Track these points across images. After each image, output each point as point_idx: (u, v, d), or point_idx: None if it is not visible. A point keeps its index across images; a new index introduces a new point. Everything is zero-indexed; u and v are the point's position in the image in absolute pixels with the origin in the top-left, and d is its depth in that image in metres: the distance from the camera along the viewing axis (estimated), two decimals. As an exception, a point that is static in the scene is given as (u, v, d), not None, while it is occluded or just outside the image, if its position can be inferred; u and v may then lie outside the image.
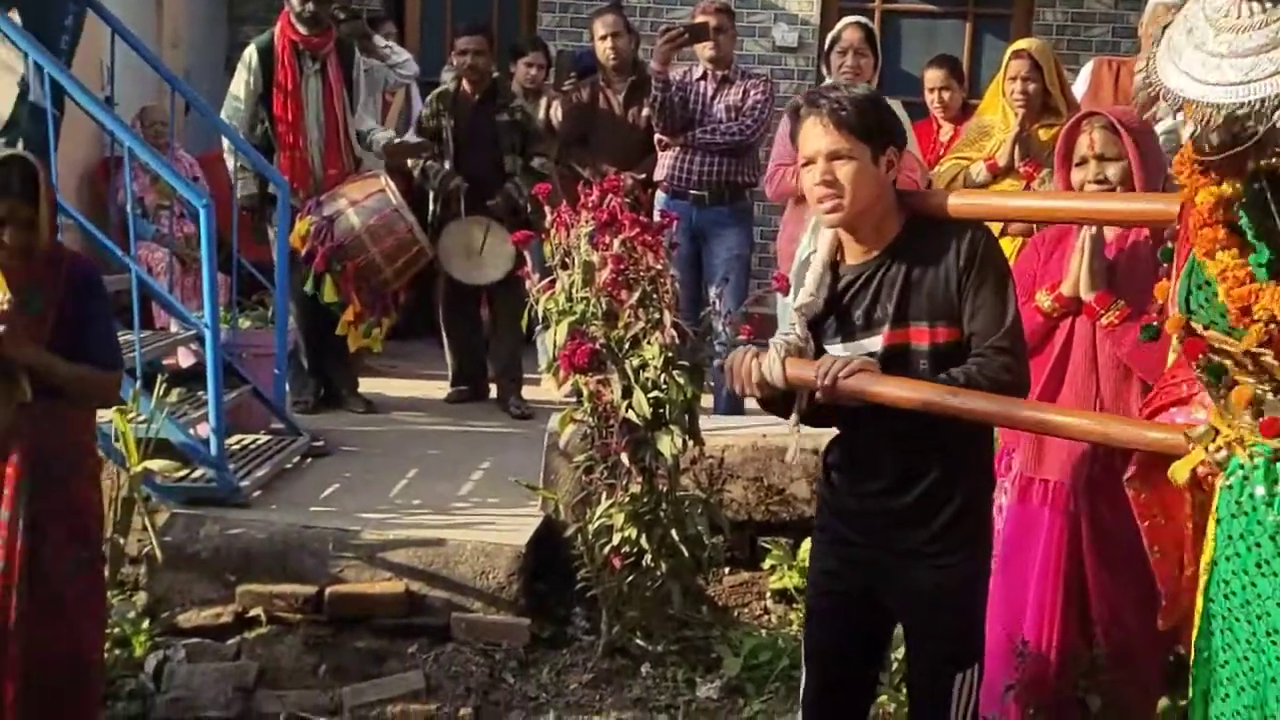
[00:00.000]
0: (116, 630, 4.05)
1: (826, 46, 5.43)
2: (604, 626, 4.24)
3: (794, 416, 2.71)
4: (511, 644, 4.24)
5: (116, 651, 4.02)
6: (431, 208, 6.12)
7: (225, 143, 5.76)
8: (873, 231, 2.67)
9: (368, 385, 6.29)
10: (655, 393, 3.97)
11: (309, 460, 5.28)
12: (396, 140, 6.08)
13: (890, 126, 2.67)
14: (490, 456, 5.39)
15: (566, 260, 4.09)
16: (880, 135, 2.63)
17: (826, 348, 2.69)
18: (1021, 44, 4.85)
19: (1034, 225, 4.18)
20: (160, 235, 6.45)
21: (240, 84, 5.76)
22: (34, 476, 3.22)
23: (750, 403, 5.72)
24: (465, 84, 6.11)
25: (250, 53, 5.77)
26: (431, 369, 6.70)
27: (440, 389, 6.46)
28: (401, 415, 6.11)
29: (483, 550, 4.36)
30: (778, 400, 2.72)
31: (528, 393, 6.26)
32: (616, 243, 3.98)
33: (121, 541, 4.02)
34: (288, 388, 5.67)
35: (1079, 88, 5.31)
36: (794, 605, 4.42)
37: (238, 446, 5.09)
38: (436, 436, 5.77)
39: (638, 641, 4.23)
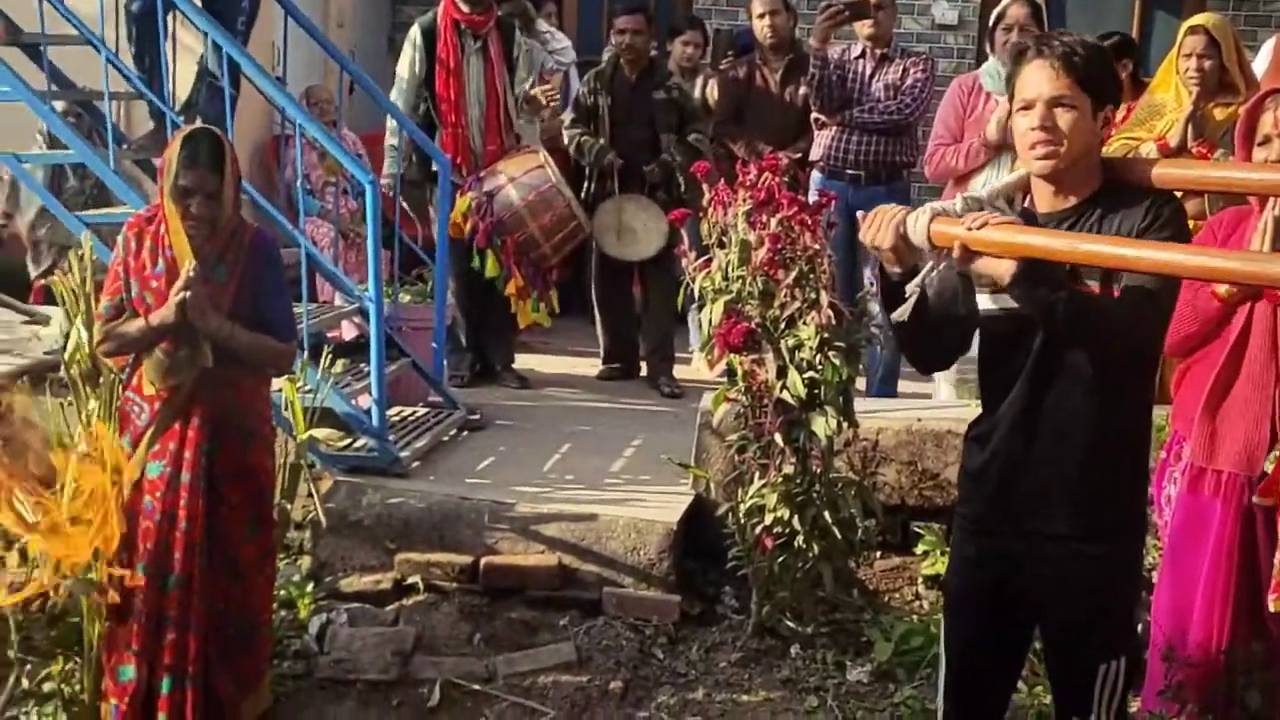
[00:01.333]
0: (282, 592, 4.18)
1: (991, 23, 5.32)
2: (754, 606, 4.24)
3: (916, 281, 2.56)
4: (661, 620, 4.27)
5: (282, 612, 4.15)
6: (585, 184, 6.17)
7: (390, 123, 5.89)
8: (1071, 186, 2.59)
9: (521, 361, 6.37)
10: (810, 373, 3.95)
11: (465, 433, 5.38)
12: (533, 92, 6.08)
13: (1114, 83, 2.61)
14: (641, 434, 5.42)
15: (723, 239, 4.09)
16: (1104, 89, 2.56)
17: (989, 300, 2.63)
18: (1198, 19, 4.68)
19: (1207, 208, 4.05)
20: (325, 211, 6.64)
21: (406, 63, 5.90)
22: (213, 440, 3.36)
23: (904, 385, 5.74)
24: (623, 63, 6.14)
25: (415, 32, 5.89)
26: (583, 346, 6.76)
27: (592, 366, 6.53)
28: (554, 391, 6.18)
29: (634, 526, 4.40)
30: (894, 285, 2.60)
31: (677, 371, 6.28)
32: (774, 222, 3.97)
33: (288, 507, 4.14)
34: (444, 361, 5.79)
35: (1259, 64, 5.09)
36: (947, 591, 4.36)
37: (397, 418, 5.22)
38: (588, 413, 5.83)
39: (787, 622, 4.22)
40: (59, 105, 5.18)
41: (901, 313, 2.59)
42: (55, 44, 5.02)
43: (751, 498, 4.06)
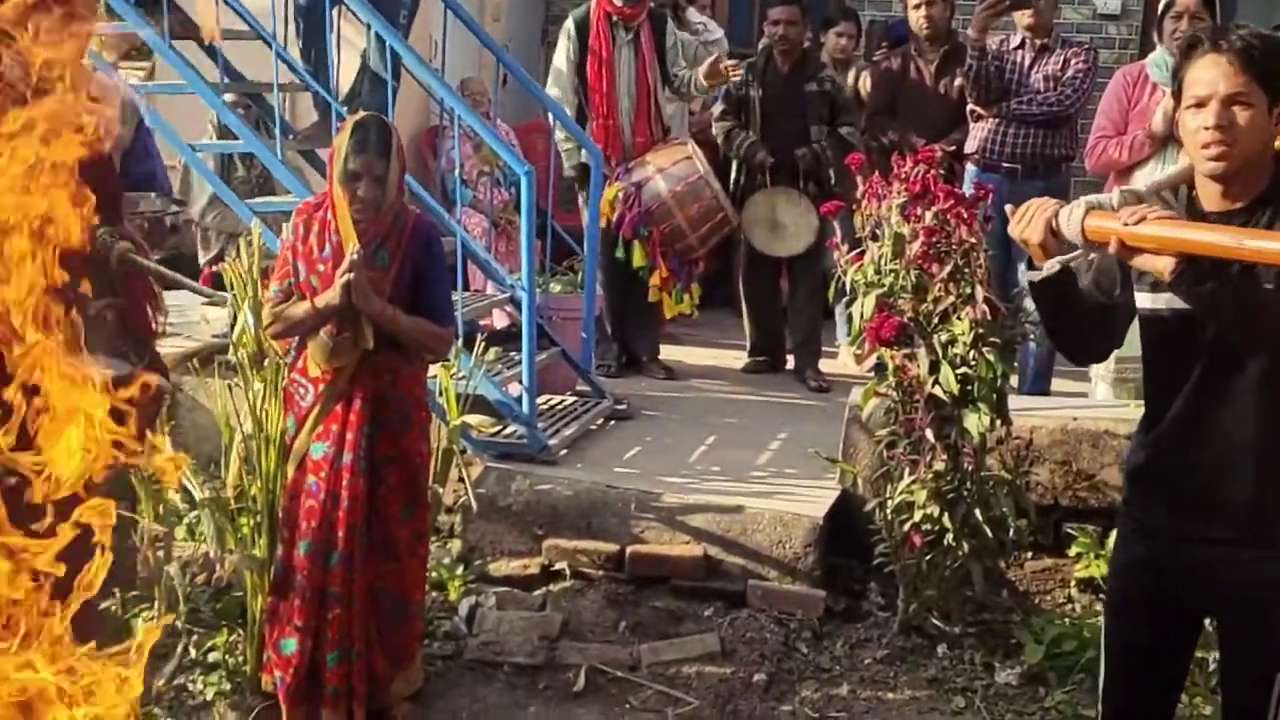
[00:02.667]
0: (434, 574, 4.27)
1: (1160, 10, 5.14)
2: (900, 603, 4.19)
3: (1061, 258, 2.45)
4: (806, 614, 4.25)
5: (434, 594, 4.25)
6: (734, 175, 6.16)
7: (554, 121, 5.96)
8: (1242, 184, 2.47)
9: (667, 352, 6.41)
10: (963, 369, 3.89)
11: (612, 422, 5.42)
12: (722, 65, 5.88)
13: None
14: (787, 427, 5.40)
15: (876, 232, 4.05)
16: None
17: (1150, 299, 2.54)
18: (1383, 6, 4.46)
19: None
20: (477, 201, 6.75)
21: (561, 55, 5.97)
22: (373, 423, 3.45)
23: (1060, 384, 5.60)
24: (776, 54, 6.11)
25: (569, 24, 5.97)
26: (730, 338, 6.76)
27: (738, 358, 6.52)
28: (700, 383, 6.20)
29: (780, 520, 4.39)
30: (1042, 277, 2.50)
31: (823, 365, 6.24)
32: (929, 215, 3.92)
33: (440, 490, 4.23)
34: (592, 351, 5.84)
35: None
36: (1100, 595, 4.24)
37: (546, 406, 5.29)
38: (734, 405, 5.83)
39: (934, 621, 4.17)
40: (229, 97, 5.37)
41: (1034, 274, 2.50)
42: (228, 38, 5.20)
43: (900, 494, 4.02)
